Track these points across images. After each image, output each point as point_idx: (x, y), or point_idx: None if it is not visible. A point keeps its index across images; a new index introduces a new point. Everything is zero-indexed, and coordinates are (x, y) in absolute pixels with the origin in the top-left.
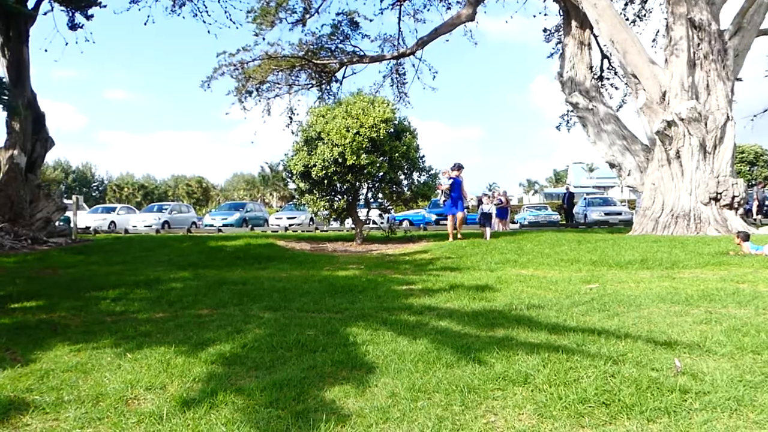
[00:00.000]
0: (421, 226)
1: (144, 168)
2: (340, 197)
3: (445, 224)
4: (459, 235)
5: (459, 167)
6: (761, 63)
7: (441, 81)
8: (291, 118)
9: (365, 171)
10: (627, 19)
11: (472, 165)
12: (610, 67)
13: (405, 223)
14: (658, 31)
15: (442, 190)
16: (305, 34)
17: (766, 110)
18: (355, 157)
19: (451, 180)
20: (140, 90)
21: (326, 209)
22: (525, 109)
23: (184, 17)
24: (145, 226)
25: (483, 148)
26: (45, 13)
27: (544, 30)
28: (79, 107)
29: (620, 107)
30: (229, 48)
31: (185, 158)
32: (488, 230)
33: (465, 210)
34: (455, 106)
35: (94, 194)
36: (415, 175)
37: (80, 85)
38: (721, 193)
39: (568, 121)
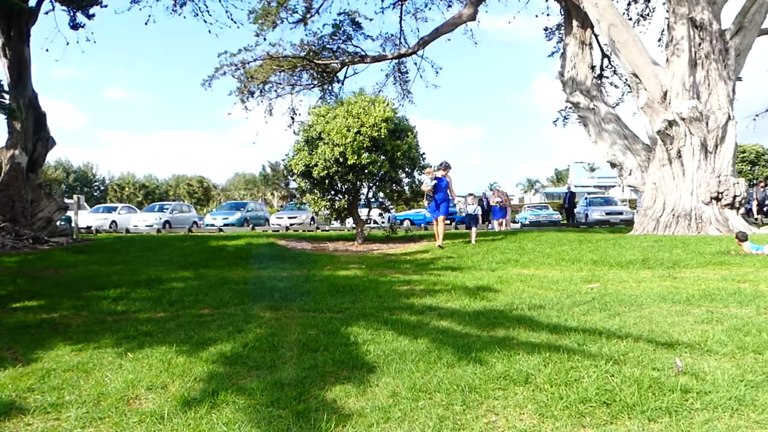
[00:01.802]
0: (422, 225)
1: (145, 168)
2: (341, 197)
3: (446, 224)
4: (439, 243)
5: (446, 166)
6: (762, 63)
7: (443, 80)
8: (293, 118)
9: (366, 170)
10: (630, 19)
11: (473, 165)
12: (611, 66)
13: (406, 223)
14: (663, 31)
15: (425, 193)
16: (307, 34)
17: (767, 110)
18: (356, 157)
19: (435, 180)
20: (141, 89)
21: (327, 209)
22: (526, 108)
23: (185, 17)
24: (147, 226)
25: (484, 147)
26: (46, 13)
27: (545, 29)
28: (79, 107)
29: (617, 104)
30: (230, 48)
31: (186, 158)
32: (474, 231)
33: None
34: (457, 105)
35: (95, 194)
36: (416, 174)
37: (80, 84)
38: (722, 193)
39: (565, 118)
